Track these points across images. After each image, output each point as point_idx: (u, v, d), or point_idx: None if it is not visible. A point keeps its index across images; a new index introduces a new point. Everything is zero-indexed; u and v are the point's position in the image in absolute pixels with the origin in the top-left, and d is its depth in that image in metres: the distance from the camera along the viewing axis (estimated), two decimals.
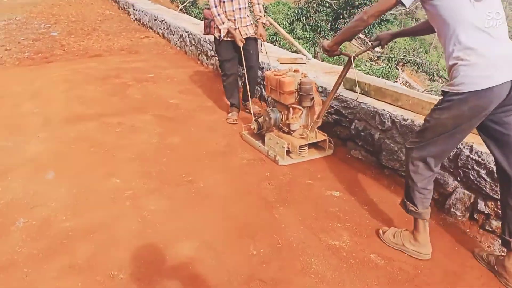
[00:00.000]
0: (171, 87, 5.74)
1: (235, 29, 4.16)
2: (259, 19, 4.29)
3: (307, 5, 21.18)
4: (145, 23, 10.33)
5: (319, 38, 20.67)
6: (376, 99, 3.40)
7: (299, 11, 21.14)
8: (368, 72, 11.66)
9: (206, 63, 6.74)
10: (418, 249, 2.39)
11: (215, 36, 4.28)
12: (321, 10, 21.27)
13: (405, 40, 34.94)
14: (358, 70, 10.93)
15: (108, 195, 3.06)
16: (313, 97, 3.47)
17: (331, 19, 22.61)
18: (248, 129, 4.10)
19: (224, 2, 4.10)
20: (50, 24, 10.94)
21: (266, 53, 4.83)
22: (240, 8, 4.17)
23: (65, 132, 4.23)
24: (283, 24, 19.58)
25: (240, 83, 4.97)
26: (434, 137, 2.17)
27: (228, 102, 4.64)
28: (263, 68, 4.88)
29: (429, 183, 2.31)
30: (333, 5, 22.86)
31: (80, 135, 4.16)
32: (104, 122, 4.45)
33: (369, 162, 3.42)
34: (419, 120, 2.90)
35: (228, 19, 4.14)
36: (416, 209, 2.34)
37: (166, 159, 3.62)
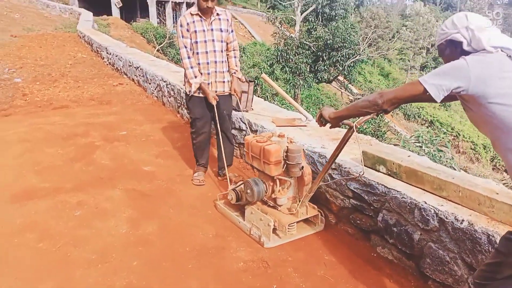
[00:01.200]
0: (146, 148, 4.91)
1: (208, 84, 3.65)
2: (234, 73, 3.83)
3: (286, 47, 21.11)
4: (119, 68, 9.59)
5: (299, 80, 20.47)
6: (409, 184, 2.68)
7: (279, 54, 21.01)
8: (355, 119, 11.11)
9: (187, 117, 5.97)
10: None
11: (185, 91, 3.80)
12: (301, 52, 21.22)
13: (379, 80, 35.31)
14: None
15: None
16: (302, 166, 2.96)
17: (310, 61, 22.58)
18: (223, 198, 3.52)
19: (198, 53, 3.59)
20: (15, 68, 10.08)
21: (241, 110, 4.25)
22: (216, 62, 3.67)
23: (9, 217, 3.32)
24: (264, 68, 19.28)
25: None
26: None
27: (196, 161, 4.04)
28: (256, 131, 4.15)
29: None
30: (312, 47, 22.86)
31: (28, 221, 3.26)
32: (60, 201, 3.56)
33: (404, 266, 2.64)
34: (481, 223, 2.17)
35: (201, 73, 3.61)
36: None
37: (137, 262, 2.75)
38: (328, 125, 2.33)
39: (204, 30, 3.59)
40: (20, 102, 7.12)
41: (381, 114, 2.13)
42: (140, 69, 8.02)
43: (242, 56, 23.89)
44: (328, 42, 20.98)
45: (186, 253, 2.86)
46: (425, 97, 1.67)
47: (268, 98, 15.06)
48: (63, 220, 3.28)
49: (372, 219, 2.83)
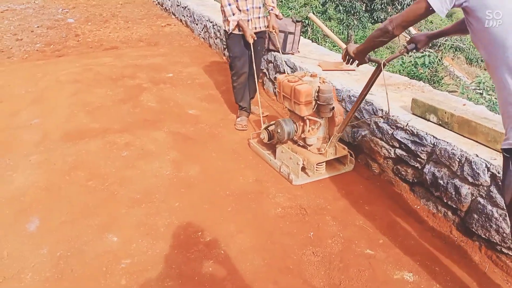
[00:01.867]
0: (191, 91, 4.92)
1: (248, 21, 3.70)
2: (271, 10, 3.83)
3: None
4: (168, 9, 9.50)
5: (353, 20, 19.39)
6: (461, 135, 2.49)
7: None
8: (411, 62, 10.44)
9: None
10: None
11: (225, 30, 3.80)
12: None
13: (441, 20, 32.63)
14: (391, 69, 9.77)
15: (99, 264, 2.31)
16: (333, 107, 2.97)
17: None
18: (256, 137, 3.64)
19: None
20: (68, 8, 10.28)
21: (286, 52, 4.25)
22: None
23: (62, 155, 3.50)
24: (316, 7, 18.41)
25: None
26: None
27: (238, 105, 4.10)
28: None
29: None
30: None
31: (79, 160, 3.42)
32: (109, 142, 3.70)
33: (448, 221, 2.54)
34: None
35: (240, 10, 3.64)
36: None
37: (179, 203, 2.83)
38: (356, 62, 2.32)
39: None
40: (72, 42, 7.29)
41: (413, 52, 2.15)
42: (188, 9, 7.88)
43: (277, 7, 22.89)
44: None
45: (226, 197, 2.91)
46: (431, 14, 1.66)
47: (319, 40, 14.49)
48: (111, 160, 3.41)
49: (418, 170, 2.70)
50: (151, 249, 2.41)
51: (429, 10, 1.63)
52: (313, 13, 17.86)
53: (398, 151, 2.82)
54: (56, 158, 3.46)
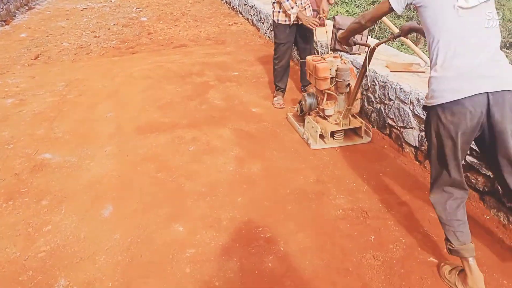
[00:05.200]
0: (255, 90, 5.02)
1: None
2: None
3: None
4: (235, 7, 9.70)
5: None
6: None
7: None
8: None
9: (297, 59, 5.90)
10: None
11: (273, 20, 4.29)
12: None
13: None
14: None
15: (166, 251, 2.46)
16: (349, 84, 3.48)
17: None
18: (293, 111, 4.17)
19: None
20: (142, 7, 10.81)
21: (352, 52, 4.37)
22: None
23: (134, 147, 3.74)
24: None
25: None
26: (430, 155, 2.04)
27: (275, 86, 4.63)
28: (367, 75, 3.94)
29: (454, 213, 2.01)
30: None
31: (149, 152, 3.64)
32: (177, 136, 3.88)
33: None
34: None
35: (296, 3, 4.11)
36: (452, 246, 2.03)
37: (241, 199, 2.93)
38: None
39: None
40: (145, 40, 7.68)
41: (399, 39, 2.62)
42: (255, 8, 8.00)
43: None
44: None
45: (287, 195, 2.96)
46: (392, 12, 2.07)
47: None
48: (179, 154, 3.59)
49: (489, 179, 2.57)
50: (214, 240, 2.52)
51: (390, 9, 2.05)
52: None
53: (469, 158, 2.71)
54: (129, 150, 3.70)
